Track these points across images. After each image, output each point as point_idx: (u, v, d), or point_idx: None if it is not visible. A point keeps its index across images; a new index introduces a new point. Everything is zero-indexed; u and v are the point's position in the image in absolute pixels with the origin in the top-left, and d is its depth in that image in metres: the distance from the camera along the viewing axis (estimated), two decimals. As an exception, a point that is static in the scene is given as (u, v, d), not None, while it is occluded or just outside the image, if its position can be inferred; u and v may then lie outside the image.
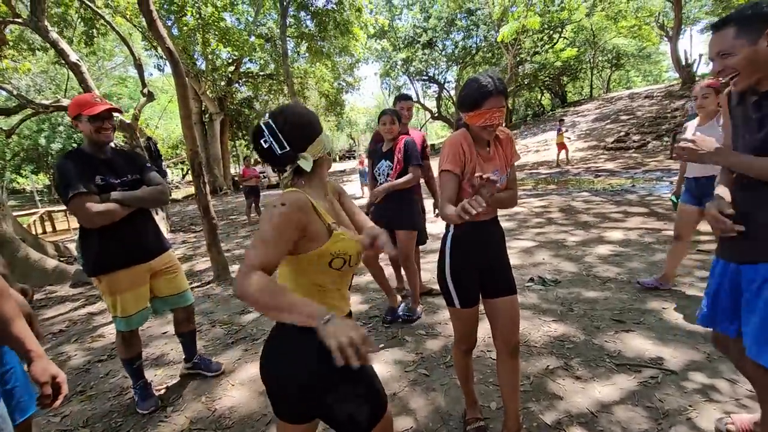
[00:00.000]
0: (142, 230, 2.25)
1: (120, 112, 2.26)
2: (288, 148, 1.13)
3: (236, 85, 18.73)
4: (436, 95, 30.32)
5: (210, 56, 14.09)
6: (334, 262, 1.12)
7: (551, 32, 23.78)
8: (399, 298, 3.49)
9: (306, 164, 1.15)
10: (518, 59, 23.48)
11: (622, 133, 15.50)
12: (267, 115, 1.17)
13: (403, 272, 3.65)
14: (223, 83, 16.65)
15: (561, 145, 13.28)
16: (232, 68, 17.16)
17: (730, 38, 1.29)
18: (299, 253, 1.10)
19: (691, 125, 2.97)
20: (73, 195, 1.96)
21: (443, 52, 27.20)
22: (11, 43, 8.60)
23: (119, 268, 2.17)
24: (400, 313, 3.12)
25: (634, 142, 14.28)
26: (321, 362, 1.04)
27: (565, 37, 24.57)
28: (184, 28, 12.10)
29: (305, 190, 1.16)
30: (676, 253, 3.10)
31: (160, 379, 2.69)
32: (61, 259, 6.42)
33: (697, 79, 18.01)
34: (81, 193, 1.97)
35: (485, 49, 25.47)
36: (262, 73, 18.45)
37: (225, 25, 12.84)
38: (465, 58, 26.52)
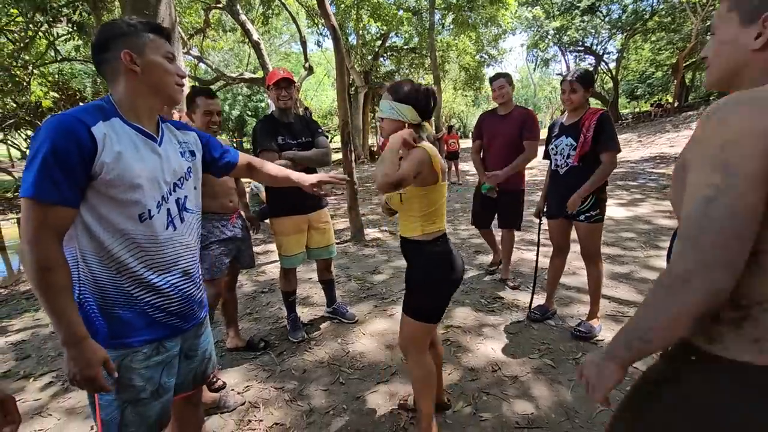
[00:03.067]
0: None
1: (291, 81, 2.61)
2: None
3: (381, 59, 19.52)
4: (592, 68, 26.77)
5: (361, 32, 14.92)
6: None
7: (766, -14, 18.54)
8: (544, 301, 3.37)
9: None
10: (708, 23, 19.07)
11: None
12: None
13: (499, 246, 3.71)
14: (370, 57, 17.55)
15: None
16: (379, 42, 17.90)
17: None
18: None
19: None
20: (260, 150, 2.48)
21: (607, 18, 23.64)
22: (213, 26, 10.50)
23: (285, 214, 2.64)
24: (583, 329, 2.59)
25: None
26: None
27: (787, -8, 18.93)
28: (342, 5, 13.01)
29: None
30: None
31: (305, 316, 3.16)
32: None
33: None
34: (265, 149, 2.48)
35: (663, 13, 21.26)
36: (405, 47, 18.81)
37: (377, 0, 13.36)
38: (634, 24, 22.60)
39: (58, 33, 9.53)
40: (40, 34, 8.81)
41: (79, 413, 2.18)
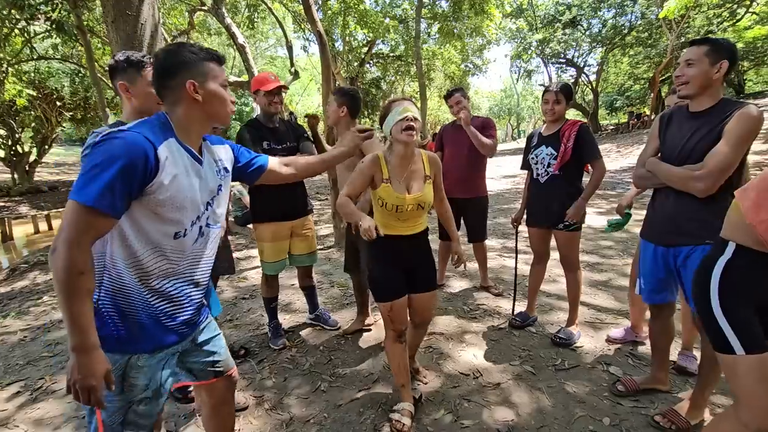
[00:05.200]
0: (292, 193, 2.63)
1: (287, 89, 2.63)
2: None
3: (367, 65, 19.61)
4: (573, 80, 27.49)
5: (348, 38, 14.98)
6: (379, 201, 1.83)
7: (735, 6, 19.43)
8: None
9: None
10: (683, 39, 19.83)
11: (825, 136, 12.11)
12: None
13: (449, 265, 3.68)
14: (356, 64, 17.61)
15: None
16: (365, 49, 18.00)
17: (701, 53, 1.65)
18: (374, 189, 1.84)
19: None
20: None
21: (587, 32, 24.32)
22: (197, 28, 10.38)
23: (268, 221, 2.61)
24: (562, 336, 2.62)
25: (842, 148, 11.06)
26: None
27: (754, 12, 19.86)
28: (329, 11, 13.05)
29: (387, 152, 1.85)
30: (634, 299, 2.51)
31: (287, 323, 3.12)
32: (217, 210, 7.71)
33: None
34: None
35: (641, 28, 22.00)
36: (392, 55, 18.96)
37: (364, 7, 13.45)
38: (614, 39, 23.32)
39: (35, 30, 9.27)
40: (17, 31, 8.55)
41: (47, 424, 2.10)
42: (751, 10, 19.66)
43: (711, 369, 1.79)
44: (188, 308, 1.23)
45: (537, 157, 2.63)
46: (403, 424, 1.88)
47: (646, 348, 2.51)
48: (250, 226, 2.86)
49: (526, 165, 2.78)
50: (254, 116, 2.77)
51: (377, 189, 1.83)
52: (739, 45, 19.99)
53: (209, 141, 1.30)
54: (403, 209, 1.81)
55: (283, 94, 2.68)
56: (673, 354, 2.28)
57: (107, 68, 1.63)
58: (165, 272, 1.15)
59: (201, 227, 1.21)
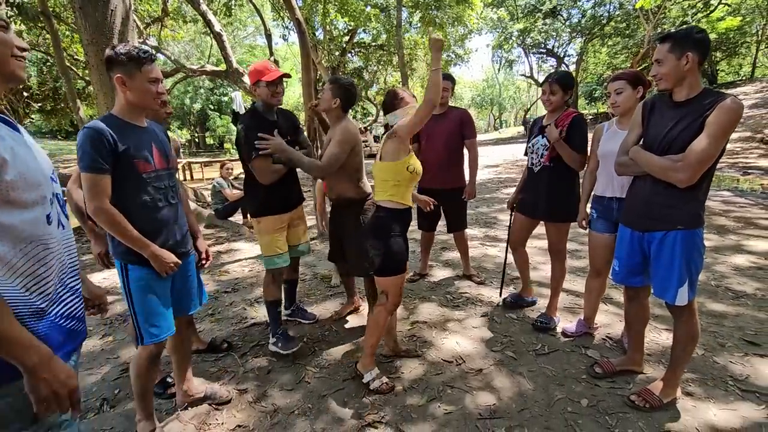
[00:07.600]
0: (290, 184, 2.53)
1: (289, 76, 2.48)
2: None
3: (349, 55, 19.32)
4: (553, 70, 27.76)
5: (328, 26, 14.70)
6: (409, 168, 2.03)
7: (709, -3, 19.89)
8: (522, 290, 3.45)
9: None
10: (659, 30, 20.21)
11: (791, 125, 12.61)
12: None
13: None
14: (337, 53, 17.33)
15: None
16: (347, 38, 17.72)
17: (665, 51, 1.68)
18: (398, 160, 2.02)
19: (612, 131, 2.34)
20: (256, 156, 2.27)
21: (567, 22, 24.58)
22: (171, 15, 10.03)
23: (274, 213, 2.48)
24: (542, 321, 2.68)
25: (807, 136, 11.55)
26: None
27: (727, 4, 20.36)
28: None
29: None
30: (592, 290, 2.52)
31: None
32: (198, 203, 7.55)
33: None
34: (262, 156, 2.28)
35: (619, 19, 22.36)
36: (373, 44, 18.72)
37: (344, -5, 13.20)
38: (593, 29, 23.63)
39: (-3, 16, 8.80)
40: (-23, 16, 8.10)
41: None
42: (724, 1, 20.14)
43: (683, 350, 1.86)
44: (78, 302, 1.07)
45: (533, 146, 2.66)
46: (386, 383, 2.16)
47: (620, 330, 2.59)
48: (233, 218, 2.79)
49: (526, 152, 2.81)
50: (233, 106, 2.66)
51: (407, 157, 2.04)
52: (712, 36, 20.52)
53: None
54: (419, 177, 2.12)
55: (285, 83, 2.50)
56: (648, 336, 2.36)
57: (105, 58, 1.55)
58: (55, 269, 0.97)
59: (55, 206, 1.01)
